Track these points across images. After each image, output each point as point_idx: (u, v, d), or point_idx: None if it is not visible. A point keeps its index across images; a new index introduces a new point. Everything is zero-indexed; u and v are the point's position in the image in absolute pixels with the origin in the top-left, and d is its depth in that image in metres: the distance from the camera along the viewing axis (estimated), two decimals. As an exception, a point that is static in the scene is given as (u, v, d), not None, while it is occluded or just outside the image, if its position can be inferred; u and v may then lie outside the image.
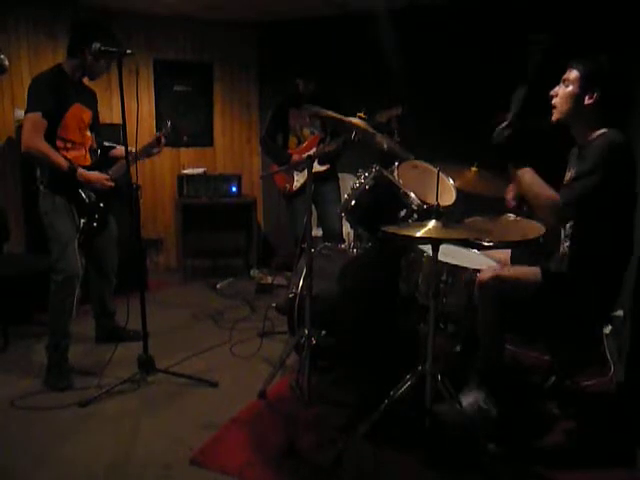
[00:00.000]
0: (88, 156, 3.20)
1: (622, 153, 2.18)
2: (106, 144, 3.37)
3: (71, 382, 3.00)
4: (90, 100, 3.21)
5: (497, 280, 2.32)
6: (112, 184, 3.18)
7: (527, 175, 2.26)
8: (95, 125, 3.27)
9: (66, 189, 3.03)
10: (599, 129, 2.26)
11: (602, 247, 2.28)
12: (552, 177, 2.45)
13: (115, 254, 3.46)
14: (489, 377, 2.41)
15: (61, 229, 3.02)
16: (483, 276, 2.36)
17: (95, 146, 3.27)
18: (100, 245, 3.35)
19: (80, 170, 3.03)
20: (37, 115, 2.89)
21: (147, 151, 3.31)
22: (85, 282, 3.43)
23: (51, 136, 2.96)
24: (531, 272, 2.36)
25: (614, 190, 2.17)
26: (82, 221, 3.08)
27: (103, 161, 3.28)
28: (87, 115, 3.15)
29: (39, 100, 2.92)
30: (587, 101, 2.25)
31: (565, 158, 2.56)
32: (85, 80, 3.16)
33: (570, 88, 2.28)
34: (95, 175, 3.11)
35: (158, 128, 3.47)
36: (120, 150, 3.30)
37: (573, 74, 2.28)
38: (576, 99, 2.27)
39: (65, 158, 3.00)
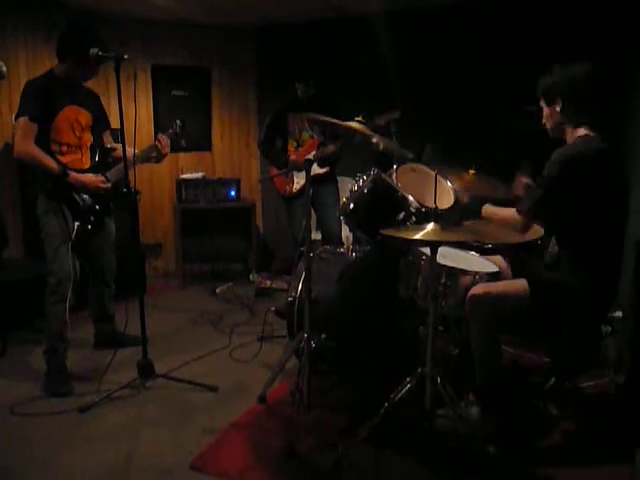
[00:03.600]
0: (86, 158, 3.19)
1: (572, 165, 2.25)
2: (108, 146, 3.36)
3: (71, 388, 2.99)
4: (89, 101, 3.21)
5: (487, 297, 2.35)
6: (108, 186, 3.16)
7: (489, 210, 2.51)
8: (98, 126, 3.26)
9: (59, 192, 3.02)
10: (578, 130, 2.36)
11: (587, 249, 2.32)
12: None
13: (113, 257, 3.45)
14: (487, 391, 2.42)
15: (53, 232, 3.03)
16: (474, 292, 2.39)
17: (96, 149, 3.26)
18: (96, 248, 3.34)
19: (72, 174, 3.02)
20: (25, 119, 2.91)
21: (146, 155, 3.30)
22: (84, 286, 3.44)
23: (45, 140, 2.97)
24: (519, 284, 2.39)
25: (571, 197, 2.26)
26: (76, 224, 3.07)
27: (104, 163, 3.27)
28: (84, 116, 3.14)
29: (27, 105, 2.95)
30: (557, 111, 2.38)
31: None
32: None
33: (544, 110, 2.46)
34: (88, 177, 3.10)
35: (165, 128, 3.45)
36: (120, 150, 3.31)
37: (541, 100, 2.47)
38: (552, 116, 2.43)
39: (59, 162, 3.00)
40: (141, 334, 2.98)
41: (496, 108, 4.37)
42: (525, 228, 2.38)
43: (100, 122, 3.29)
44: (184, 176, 5.44)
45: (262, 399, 2.84)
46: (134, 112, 2.88)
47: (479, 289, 2.38)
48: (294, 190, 4.20)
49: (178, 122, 3.42)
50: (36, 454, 2.42)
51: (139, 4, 4.74)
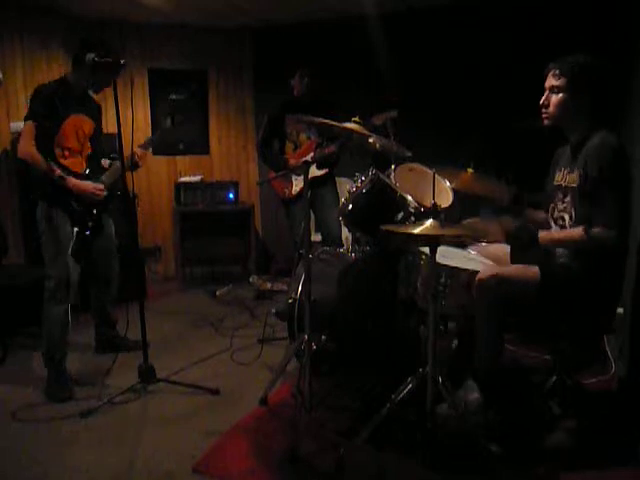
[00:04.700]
0: (85, 163, 3.22)
1: (623, 157, 2.22)
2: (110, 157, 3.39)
3: (71, 392, 2.99)
4: (93, 112, 3.27)
5: (497, 279, 2.31)
6: (104, 193, 3.19)
7: (547, 238, 2.35)
8: (96, 137, 3.30)
9: (58, 198, 3.04)
10: (593, 129, 2.29)
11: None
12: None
13: (113, 262, 3.46)
14: (487, 378, 2.41)
15: (52, 237, 3.04)
16: (482, 275, 2.36)
17: (92, 155, 3.28)
18: (97, 253, 3.35)
19: (70, 179, 3.04)
20: (32, 124, 2.96)
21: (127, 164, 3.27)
22: (86, 291, 3.45)
23: (49, 144, 3.01)
24: (530, 271, 2.35)
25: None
26: (75, 230, 3.09)
27: (97, 168, 3.30)
28: (88, 126, 3.20)
29: (33, 110, 2.99)
30: (580, 104, 2.30)
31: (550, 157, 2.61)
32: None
33: (561, 95, 2.32)
34: (87, 185, 3.12)
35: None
36: (106, 162, 3.38)
37: (561, 80, 2.30)
38: (569, 104, 2.31)
39: (61, 166, 3.03)
40: (141, 338, 2.98)
41: (494, 108, 4.39)
42: (613, 240, 2.19)
43: (98, 131, 3.34)
44: (182, 179, 5.45)
45: (264, 401, 2.83)
46: (132, 117, 2.89)
47: (488, 272, 2.35)
48: (293, 192, 4.19)
49: (168, 120, 3.43)
50: (38, 460, 2.41)
51: (136, 8, 4.74)
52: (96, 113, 3.31)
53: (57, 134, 3.03)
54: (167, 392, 3.00)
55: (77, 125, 3.12)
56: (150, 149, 3.46)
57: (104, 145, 3.43)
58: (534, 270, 2.35)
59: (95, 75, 3.02)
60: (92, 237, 3.22)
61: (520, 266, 2.43)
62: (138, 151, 3.32)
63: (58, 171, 3.00)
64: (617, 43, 3.77)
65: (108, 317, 3.53)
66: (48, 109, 2.98)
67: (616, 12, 3.96)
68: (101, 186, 3.18)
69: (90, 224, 3.19)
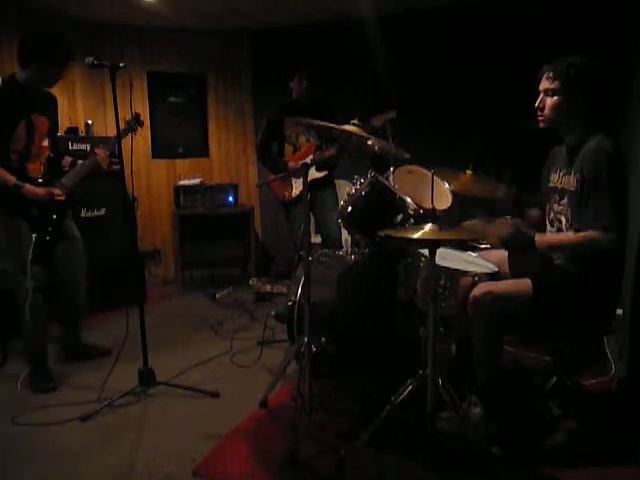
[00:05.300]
0: (42, 167, 3.16)
1: (618, 161, 2.22)
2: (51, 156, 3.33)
3: (55, 384, 3.07)
4: (48, 107, 3.20)
5: (490, 297, 2.31)
6: (63, 198, 3.13)
7: (544, 242, 2.30)
8: (53, 134, 3.25)
9: (15, 206, 2.98)
10: (590, 132, 2.29)
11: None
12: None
13: (77, 267, 3.39)
14: (489, 392, 2.42)
15: (13, 246, 3.00)
16: (476, 292, 2.36)
17: (51, 155, 3.24)
18: (58, 259, 3.30)
19: (27, 187, 2.98)
20: None
21: (89, 169, 3.26)
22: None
23: (4, 150, 2.95)
24: (522, 284, 2.35)
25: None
26: (34, 236, 3.01)
27: (56, 170, 3.26)
28: (43, 124, 3.13)
29: None
30: (575, 106, 2.29)
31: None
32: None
33: (556, 98, 2.31)
34: (43, 190, 3.05)
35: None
36: (68, 161, 3.32)
37: (555, 83, 2.29)
38: (564, 107, 2.31)
39: (18, 172, 2.97)
40: (142, 341, 2.98)
41: (492, 109, 4.39)
42: (613, 243, 2.16)
43: (55, 127, 3.29)
44: (182, 182, 5.45)
45: (264, 404, 2.83)
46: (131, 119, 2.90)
47: (482, 289, 2.35)
48: (293, 195, 4.19)
49: (133, 115, 3.31)
50: (38, 464, 2.41)
51: (135, 12, 4.75)
52: (51, 107, 3.23)
53: (11, 139, 2.95)
54: (167, 395, 3.00)
55: (34, 127, 3.04)
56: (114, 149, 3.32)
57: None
58: (526, 284, 2.34)
59: (47, 71, 2.98)
60: (53, 243, 3.17)
61: (512, 280, 2.42)
62: (100, 152, 3.26)
63: (14, 180, 2.93)
64: (617, 43, 3.78)
65: (76, 324, 3.51)
66: (2, 113, 2.90)
67: (616, 12, 3.96)
68: (58, 190, 3.11)
69: (50, 229, 3.13)
